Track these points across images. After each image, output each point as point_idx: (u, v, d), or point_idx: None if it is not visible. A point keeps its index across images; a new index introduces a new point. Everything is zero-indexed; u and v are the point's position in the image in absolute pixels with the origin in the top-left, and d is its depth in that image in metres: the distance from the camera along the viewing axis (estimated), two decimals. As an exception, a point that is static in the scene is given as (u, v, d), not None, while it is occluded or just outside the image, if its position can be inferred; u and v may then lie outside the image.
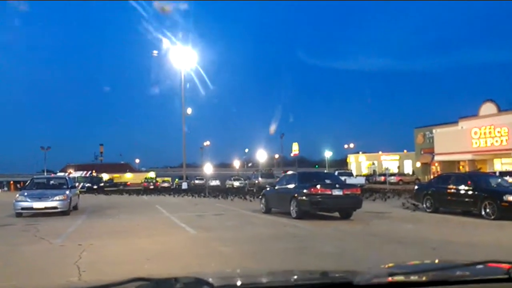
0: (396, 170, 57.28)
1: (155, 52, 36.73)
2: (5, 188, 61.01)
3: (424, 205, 14.49)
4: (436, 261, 2.24)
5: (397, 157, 65.32)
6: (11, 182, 68.64)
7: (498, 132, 36.79)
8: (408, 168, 60.39)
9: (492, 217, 11.73)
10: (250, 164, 77.34)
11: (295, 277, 1.46)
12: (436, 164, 46.90)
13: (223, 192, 28.87)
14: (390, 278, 1.30)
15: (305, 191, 11.91)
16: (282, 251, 7.32)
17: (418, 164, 53.67)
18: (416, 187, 16.95)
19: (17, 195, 14.28)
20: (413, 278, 1.30)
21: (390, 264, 1.90)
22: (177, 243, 8.35)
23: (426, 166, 50.80)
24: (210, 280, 1.08)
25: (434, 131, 47.37)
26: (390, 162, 63.54)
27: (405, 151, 64.35)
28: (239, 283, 1.36)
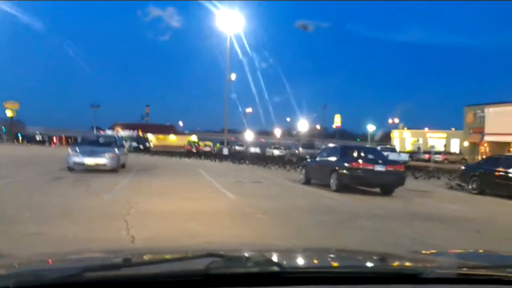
0: (442, 149, 55.45)
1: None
2: (57, 142, 64.27)
3: (470, 186, 14.06)
4: (480, 251, 2.13)
5: (444, 135, 62.97)
6: (63, 136, 72.15)
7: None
8: (455, 147, 58.20)
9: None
10: (293, 133, 77.13)
11: (356, 261, 1.44)
12: (485, 145, 44.97)
13: (263, 160, 29.13)
14: (457, 271, 1.25)
15: (346, 164, 11.84)
16: (320, 222, 7.40)
17: (466, 144, 51.66)
18: (463, 167, 16.44)
19: (70, 151, 15.06)
20: (479, 271, 1.24)
21: (433, 251, 1.86)
22: (217, 207, 8.60)
23: (474, 146, 48.82)
24: (283, 262, 1.13)
25: (486, 110, 45.16)
26: (436, 140, 61.45)
27: (452, 129, 61.87)
28: (306, 264, 1.40)
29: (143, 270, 1.17)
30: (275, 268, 1.10)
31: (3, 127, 65.57)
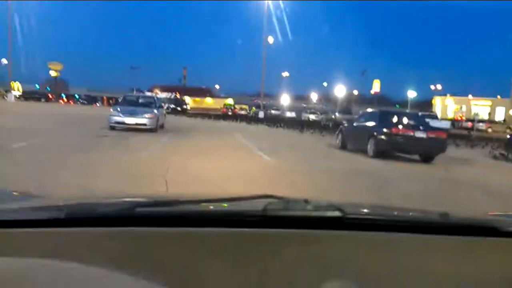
0: (486, 117, 53.09)
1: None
2: (99, 103, 66.56)
3: (515, 157, 13.47)
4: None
5: (489, 102, 60.04)
6: (104, 97, 74.36)
7: None
8: (500, 116, 55.56)
9: None
10: (330, 98, 75.85)
11: (417, 212, 1.39)
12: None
13: (298, 124, 28.91)
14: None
15: (385, 130, 11.54)
16: (356, 187, 7.30)
17: (513, 113, 49.16)
18: (508, 136, 15.72)
19: (111, 110, 15.47)
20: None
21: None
22: (254, 168, 8.63)
23: (522, 115, 46.37)
24: (344, 208, 1.05)
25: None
26: (480, 107, 58.82)
27: (498, 97, 58.85)
28: (367, 211, 1.33)
29: (195, 208, 1.12)
30: (337, 213, 1.03)
31: (47, 87, 68.11)
